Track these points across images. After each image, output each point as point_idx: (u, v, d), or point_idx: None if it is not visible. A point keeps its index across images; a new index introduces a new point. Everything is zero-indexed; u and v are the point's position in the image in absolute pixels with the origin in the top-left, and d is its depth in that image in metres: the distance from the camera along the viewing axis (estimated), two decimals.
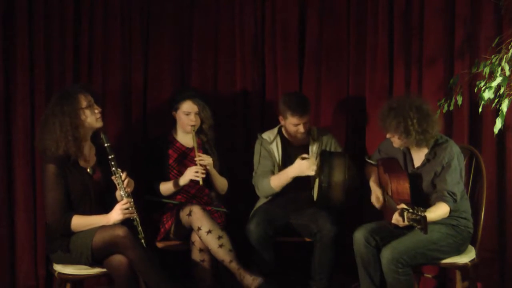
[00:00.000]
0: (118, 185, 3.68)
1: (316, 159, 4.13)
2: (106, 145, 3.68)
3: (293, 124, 4.14)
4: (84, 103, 3.66)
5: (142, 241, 3.65)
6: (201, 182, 4.04)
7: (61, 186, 3.61)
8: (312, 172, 4.05)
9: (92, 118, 3.68)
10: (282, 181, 4.14)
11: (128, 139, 4.43)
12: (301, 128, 4.15)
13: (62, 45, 4.24)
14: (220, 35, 4.57)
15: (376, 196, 3.94)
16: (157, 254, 3.74)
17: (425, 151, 3.80)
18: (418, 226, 3.37)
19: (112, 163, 3.67)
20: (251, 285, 3.77)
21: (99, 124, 3.72)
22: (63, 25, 4.23)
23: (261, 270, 3.88)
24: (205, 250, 3.88)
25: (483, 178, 3.95)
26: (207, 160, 4.10)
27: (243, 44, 4.56)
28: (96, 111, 3.70)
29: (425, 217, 3.34)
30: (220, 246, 3.85)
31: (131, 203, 3.67)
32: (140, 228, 3.68)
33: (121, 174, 3.68)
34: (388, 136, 3.81)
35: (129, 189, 3.70)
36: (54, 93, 3.82)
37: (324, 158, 4.07)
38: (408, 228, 3.61)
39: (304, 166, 4.06)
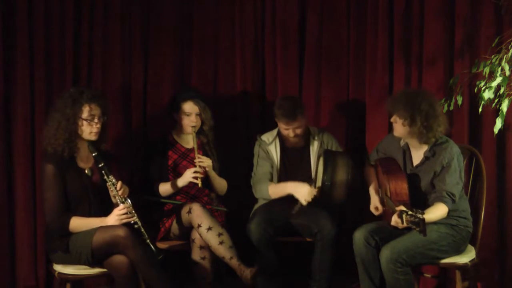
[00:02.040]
0: (112, 192, 3.68)
1: (317, 189, 4.09)
2: (93, 154, 3.68)
3: (283, 128, 4.17)
4: (85, 114, 3.65)
5: (148, 241, 3.65)
6: (199, 184, 4.04)
7: (59, 186, 3.61)
8: (304, 202, 4.02)
9: (86, 130, 3.67)
10: (280, 193, 4.15)
11: (128, 139, 4.43)
12: (290, 133, 4.16)
13: (62, 45, 4.24)
14: (220, 35, 4.57)
15: (374, 206, 3.94)
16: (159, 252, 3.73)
17: (424, 149, 3.80)
18: (417, 229, 3.36)
19: (103, 171, 3.67)
20: (248, 275, 3.77)
21: (91, 138, 3.69)
22: (63, 25, 4.23)
23: (262, 270, 3.88)
24: (206, 247, 3.88)
25: (483, 178, 3.95)
26: (206, 162, 4.10)
27: (243, 44, 4.56)
28: (94, 126, 3.67)
29: (423, 219, 3.33)
30: (221, 243, 3.84)
31: (129, 207, 3.67)
32: (143, 230, 3.67)
33: (114, 181, 3.66)
34: (392, 120, 3.80)
35: (124, 195, 3.69)
36: (69, 88, 3.83)
37: (328, 157, 4.07)
38: (408, 228, 3.61)
39: (303, 192, 4.03)
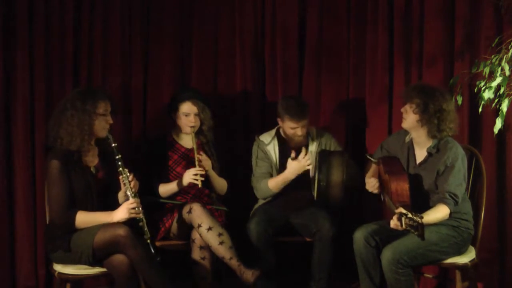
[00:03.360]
0: (125, 185, 3.68)
1: (309, 154, 4.10)
2: (113, 145, 3.69)
3: (290, 127, 4.16)
4: (101, 110, 3.67)
5: (148, 241, 3.66)
6: (199, 185, 4.03)
7: (65, 182, 3.60)
8: (308, 166, 4.04)
9: (100, 126, 3.68)
10: (280, 184, 4.15)
11: (128, 139, 4.43)
12: (298, 132, 4.16)
13: (62, 45, 4.24)
14: (220, 35, 4.57)
15: (371, 184, 3.92)
16: (157, 254, 3.74)
17: (428, 146, 3.79)
18: (415, 233, 3.34)
19: (119, 163, 3.68)
20: (250, 279, 3.77)
21: (103, 134, 3.71)
22: (63, 25, 4.24)
23: (262, 270, 3.88)
24: (206, 247, 3.88)
25: (483, 178, 3.95)
26: (206, 162, 4.10)
27: (243, 44, 4.56)
28: (108, 121, 3.70)
29: (422, 224, 3.31)
30: (221, 243, 3.85)
31: (138, 203, 3.66)
32: (146, 228, 3.68)
33: (128, 174, 3.68)
34: (402, 110, 3.77)
35: (135, 189, 3.70)
36: (77, 88, 3.83)
37: (323, 157, 4.07)
38: (407, 230, 3.60)
39: (296, 166, 4.06)
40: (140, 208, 3.68)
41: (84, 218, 3.61)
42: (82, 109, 3.63)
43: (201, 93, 4.26)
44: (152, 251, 3.65)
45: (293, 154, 4.09)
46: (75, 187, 3.64)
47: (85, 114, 3.62)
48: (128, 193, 3.68)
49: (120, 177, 3.69)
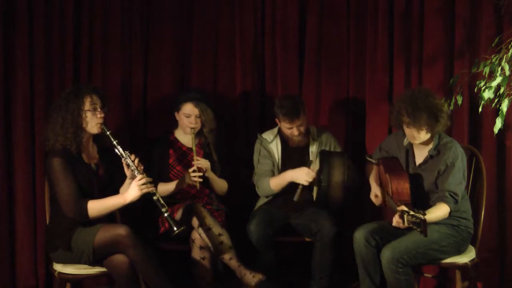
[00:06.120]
0: (129, 166, 3.64)
1: (315, 170, 4.10)
2: (108, 133, 3.66)
3: (286, 127, 4.16)
4: (87, 105, 3.65)
5: (166, 214, 3.61)
6: (198, 187, 4.03)
7: (70, 175, 3.59)
8: (305, 182, 4.04)
9: (91, 122, 3.66)
10: (280, 183, 4.15)
11: (128, 140, 4.42)
12: (294, 131, 4.16)
13: (62, 45, 4.24)
14: (220, 35, 4.57)
15: (375, 194, 3.93)
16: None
17: (428, 147, 3.79)
18: (418, 229, 3.35)
19: (119, 146, 3.64)
20: (251, 282, 3.77)
21: (95, 131, 3.68)
22: (63, 25, 4.24)
23: (262, 270, 3.88)
24: (206, 247, 3.89)
25: (483, 178, 3.95)
26: (204, 164, 4.10)
27: (243, 44, 4.56)
28: (99, 116, 3.67)
29: (425, 220, 3.32)
30: (220, 243, 3.85)
31: (147, 178, 3.61)
32: (162, 201, 3.63)
33: (130, 154, 3.64)
34: (410, 131, 3.71)
35: (140, 168, 3.65)
36: (67, 88, 3.82)
37: (324, 158, 4.06)
38: (409, 228, 3.61)
39: (301, 174, 4.05)
40: (151, 183, 3.61)
41: (96, 206, 3.58)
42: (66, 109, 3.62)
43: (205, 95, 4.25)
44: (172, 224, 3.62)
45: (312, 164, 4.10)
46: (78, 184, 3.63)
47: (67, 113, 3.61)
48: (135, 171, 3.63)
49: (122, 160, 3.65)
